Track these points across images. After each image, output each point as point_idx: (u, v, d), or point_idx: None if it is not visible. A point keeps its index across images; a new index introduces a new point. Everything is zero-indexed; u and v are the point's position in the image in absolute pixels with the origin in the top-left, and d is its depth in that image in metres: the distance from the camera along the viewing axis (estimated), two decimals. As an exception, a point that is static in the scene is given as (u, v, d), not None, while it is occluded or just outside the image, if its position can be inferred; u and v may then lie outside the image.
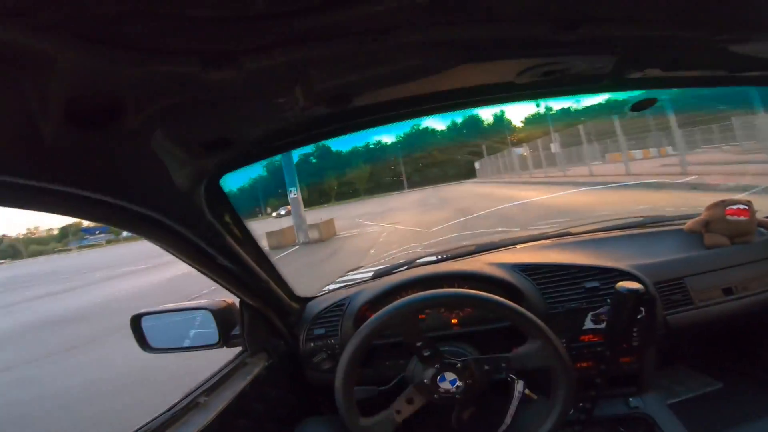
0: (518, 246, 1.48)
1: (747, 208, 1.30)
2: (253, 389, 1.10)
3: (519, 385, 0.98)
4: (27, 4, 0.31)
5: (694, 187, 7.47)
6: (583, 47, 0.62)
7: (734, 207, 1.30)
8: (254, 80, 0.52)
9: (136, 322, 1.10)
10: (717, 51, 0.66)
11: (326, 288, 1.54)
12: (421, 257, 1.57)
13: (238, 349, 1.22)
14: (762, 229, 1.35)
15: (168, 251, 0.76)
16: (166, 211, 0.67)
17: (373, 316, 0.92)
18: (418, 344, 0.92)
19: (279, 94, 0.58)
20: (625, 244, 1.39)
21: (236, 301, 1.16)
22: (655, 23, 0.56)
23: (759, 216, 1.34)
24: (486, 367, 0.93)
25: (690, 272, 1.25)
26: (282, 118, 0.67)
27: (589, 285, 1.18)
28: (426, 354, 0.93)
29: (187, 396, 0.99)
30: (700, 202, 1.40)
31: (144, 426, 0.87)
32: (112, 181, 0.53)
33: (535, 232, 1.57)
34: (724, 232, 1.31)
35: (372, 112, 0.74)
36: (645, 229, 1.50)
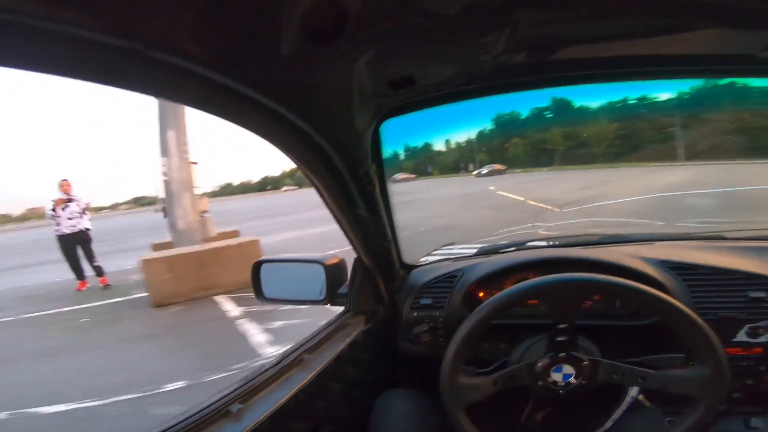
0: (657, 243, 1.29)
1: None
2: (350, 352, 1.10)
3: (633, 390, 0.89)
4: None
5: None
6: None
7: None
8: (467, 13, 0.47)
9: (256, 268, 1.14)
10: None
11: (425, 258, 1.49)
12: (533, 240, 1.45)
13: (340, 309, 1.23)
14: None
15: (318, 188, 0.74)
16: (339, 146, 0.65)
17: (508, 289, 0.84)
18: (561, 326, 0.84)
19: (484, 32, 0.52)
20: None
21: (346, 259, 1.15)
22: None
23: None
24: (614, 376, 0.83)
25: None
26: (475, 62, 0.61)
27: (754, 294, 1.00)
28: (560, 339, 0.84)
29: (293, 352, 1.00)
30: None
31: (253, 379, 0.89)
32: (307, 104, 0.52)
33: (678, 231, 1.35)
34: None
35: (575, 68, 0.65)
36: None
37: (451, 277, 1.21)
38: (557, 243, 1.41)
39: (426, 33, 0.50)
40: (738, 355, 1.01)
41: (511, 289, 0.84)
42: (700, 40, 0.57)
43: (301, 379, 0.93)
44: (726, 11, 0.49)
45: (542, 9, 0.48)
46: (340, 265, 1.17)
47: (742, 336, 1.00)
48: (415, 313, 1.22)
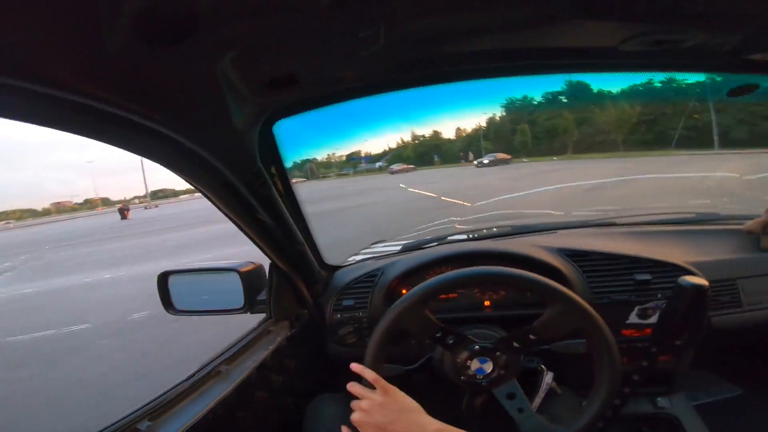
0: (559, 231, 1.41)
1: (815, 212, 1.21)
2: (274, 360, 1.07)
3: (548, 377, 0.94)
4: None
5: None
6: (708, 18, 0.53)
7: (800, 209, 1.21)
8: (337, 7, 0.45)
9: (162, 280, 1.05)
10: None
11: (351, 258, 1.48)
12: (452, 234, 1.51)
13: (262, 316, 1.18)
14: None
15: (209, 198, 0.70)
16: (217, 150, 0.61)
17: (384, 315, 0.87)
18: (438, 335, 0.87)
19: (360, 27, 0.51)
20: (676, 239, 1.31)
21: (264, 264, 1.11)
22: None
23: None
24: (515, 344, 0.88)
25: (744, 274, 1.18)
26: (360, 58, 0.59)
27: (639, 277, 1.11)
28: (450, 342, 0.88)
29: (209, 363, 0.95)
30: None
31: (164, 394, 0.84)
32: (168, 109, 0.47)
33: (577, 220, 1.49)
34: (785, 235, 1.23)
35: (460, 63, 0.65)
36: (698, 226, 1.42)
37: (371, 277, 1.22)
38: (475, 236, 1.48)
39: (296, 31, 0.48)
40: (633, 336, 1.12)
41: (414, 290, 0.86)
42: (564, 33, 0.60)
43: (219, 391, 0.88)
44: (585, 3, 0.51)
45: (414, 2, 0.48)
46: (258, 271, 1.12)
47: (633, 318, 1.11)
48: (339, 315, 1.22)
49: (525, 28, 0.58)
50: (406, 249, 1.45)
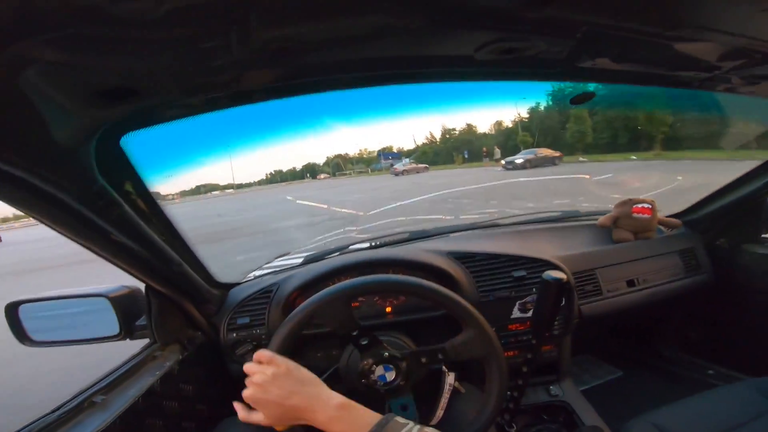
0: (451, 234, 1.50)
1: (650, 207, 1.43)
2: (165, 386, 0.99)
3: (450, 378, 0.96)
4: None
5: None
6: (545, 27, 0.58)
7: (640, 206, 1.43)
8: (177, 19, 0.42)
9: (11, 311, 0.92)
10: (662, 47, 0.66)
11: (252, 274, 1.44)
12: (354, 243, 1.54)
13: (146, 341, 1.10)
14: (661, 227, 1.51)
15: (45, 224, 0.62)
16: (42, 170, 0.54)
17: (302, 304, 0.85)
18: (354, 333, 0.87)
19: (204, 39, 0.48)
20: (547, 236, 1.47)
21: (141, 286, 1.03)
22: (618, 10, 0.55)
23: (660, 215, 1.49)
24: (423, 360, 0.90)
25: (600, 264, 1.36)
26: (208, 69, 0.55)
27: (517, 274, 1.22)
28: (364, 343, 0.88)
29: (78, 395, 0.85)
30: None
31: (24, 428, 0.75)
32: None
33: (467, 222, 1.61)
34: (630, 228, 1.45)
35: (319, 73, 0.64)
36: (563, 223, 1.60)
37: (266, 292, 1.19)
38: (378, 243, 1.52)
39: (126, 40, 0.44)
40: (518, 330, 1.22)
41: (288, 318, 0.84)
42: (422, 41, 0.61)
43: (96, 423, 0.79)
44: (439, 10, 0.53)
45: (265, 12, 0.46)
46: (132, 295, 1.03)
47: (516, 313, 1.21)
48: (235, 334, 1.17)
49: (383, 37, 0.58)
50: (308, 261, 1.44)
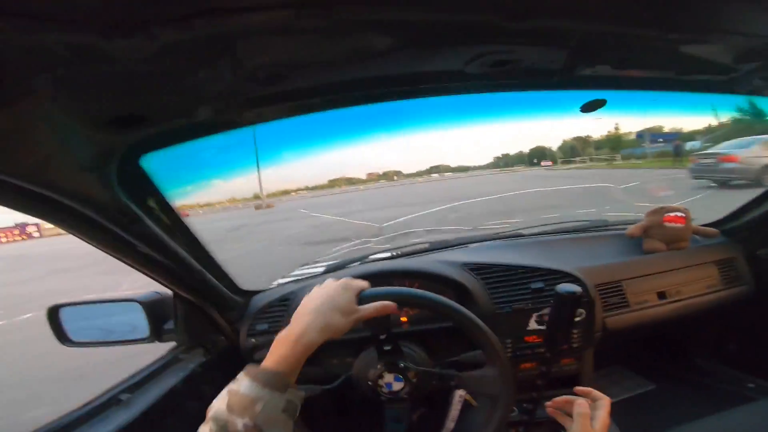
0: (471, 245, 1.49)
1: (684, 215, 1.36)
2: (187, 387, 1.04)
3: (460, 390, 0.95)
4: None
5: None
6: (534, 38, 0.58)
7: (672, 214, 1.37)
8: (170, 53, 0.46)
9: (53, 313, 1.00)
10: (668, 51, 0.64)
11: (276, 282, 1.49)
12: (375, 253, 1.55)
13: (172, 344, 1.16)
14: (696, 237, 1.43)
15: (76, 235, 0.68)
16: (69, 191, 0.59)
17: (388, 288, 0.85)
18: (382, 337, 0.88)
19: (201, 69, 0.52)
20: (572, 246, 1.43)
21: (170, 292, 1.09)
22: (608, 17, 0.54)
23: (694, 224, 1.41)
24: (434, 382, 0.90)
25: (628, 276, 1.30)
26: (207, 96, 0.60)
27: (534, 286, 1.19)
28: (386, 348, 0.89)
29: (105, 393, 0.91)
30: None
31: (55, 422, 0.81)
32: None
33: (488, 232, 1.59)
34: (662, 237, 1.38)
35: (313, 95, 0.68)
36: (590, 233, 1.55)
37: (285, 300, 1.23)
38: (398, 253, 1.53)
39: (126, 75, 0.48)
40: (534, 342, 1.18)
41: (397, 289, 0.86)
42: (410, 59, 0.62)
43: (120, 419, 0.85)
44: (423, 29, 0.54)
45: (253, 42, 0.49)
46: (162, 301, 1.09)
47: (533, 324, 1.17)
48: (253, 340, 1.21)
49: (374, 57, 0.60)
50: (329, 270, 1.47)
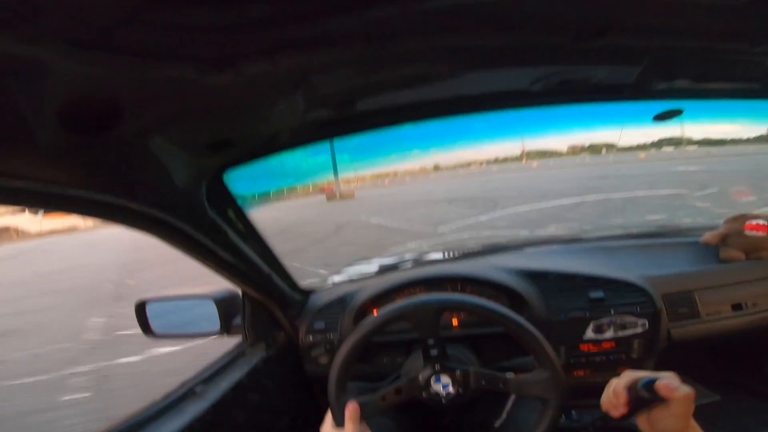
0: (526, 249, 1.46)
1: (766, 223, 1.25)
2: (250, 380, 1.12)
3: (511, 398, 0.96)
4: (18, 15, 0.30)
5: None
6: (604, 57, 0.58)
7: (754, 222, 1.26)
8: (254, 85, 0.51)
9: (140, 308, 1.12)
10: (753, 63, 0.61)
11: (330, 280, 1.55)
12: (428, 253, 1.57)
13: (240, 338, 1.25)
14: (779, 247, 1.30)
15: (170, 246, 0.77)
16: (169, 208, 0.67)
17: (378, 313, 0.90)
18: (430, 342, 0.89)
19: (280, 98, 0.57)
20: (637, 253, 1.36)
21: (240, 290, 1.17)
22: (688, 32, 0.52)
23: (778, 232, 1.29)
24: (483, 383, 0.90)
25: (701, 286, 1.22)
26: (284, 120, 0.66)
27: (593, 295, 1.15)
28: (432, 353, 0.90)
29: (183, 385, 1.00)
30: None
31: (140, 413, 0.90)
32: (110, 181, 0.54)
33: (545, 236, 1.55)
34: (741, 246, 1.27)
35: (377, 117, 0.72)
36: (659, 239, 1.46)
37: (341, 301, 1.28)
38: (450, 256, 1.53)
39: (217, 105, 0.54)
40: (590, 351, 1.15)
41: (362, 325, 0.90)
42: (473, 81, 0.64)
43: (195, 410, 0.93)
44: (489, 54, 0.55)
45: (326, 72, 0.53)
46: (233, 298, 1.19)
47: (590, 333, 1.14)
48: (311, 337, 1.27)
49: (443, 79, 0.62)
50: (383, 270, 1.51)
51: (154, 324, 1.15)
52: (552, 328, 0.87)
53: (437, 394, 0.91)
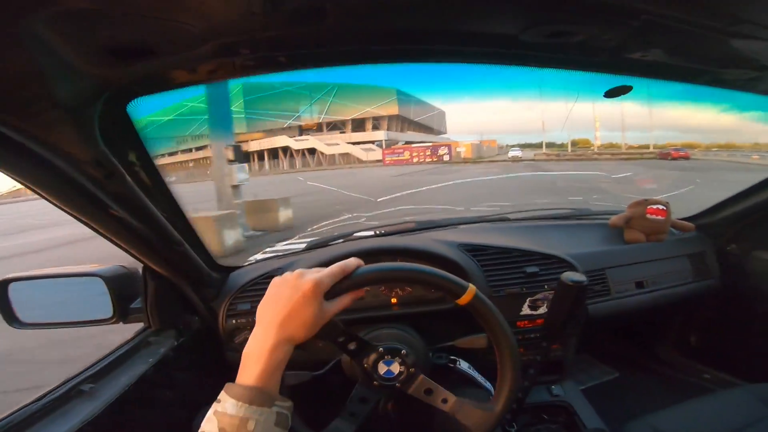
0: (460, 226, 1.46)
1: (665, 208, 1.40)
2: (159, 373, 0.95)
3: (463, 365, 0.91)
4: None
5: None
6: (603, 10, 0.54)
7: (654, 207, 1.40)
8: None
9: (1, 290, 0.87)
10: (721, 43, 0.61)
11: (253, 258, 1.39)
12: (358, 230, 1.49)
13: (140, 325, 1.05)
14: (674, 230, 1.48)
15: (38, 194, 0.57)
16: (30, 130, 0.49)
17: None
18: (340, 340, 0.76)
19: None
20: (557, 233, 1.44)
21: (138, 266, 0.97)
22: (689, 1, 0.51)
23: (674, 217, 1.46)
24: (436, 362, 0.86)
25: (611, 264, 1.33)
26: (234, 30, 0.49)
27: (529, 270, 1.18)
28: (352, 348, 0.78)
29: (64, 383, 0.81)
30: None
31: (5, 418, 0.70)
32: None
33: (475, 215, 1.57)
34: (643, 229, 1.41)
35: (349, 42, 0.58)
36: (575, 221, 1.57)
37: (268, 277, 1.13)
38: (381, 232, 1.47)
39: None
40: (526, 327, 1.18)
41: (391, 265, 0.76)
42: (464, 15, 0.55)
43: (84, 412, 0.76)
44: None
45: None
46: (131, 276, 0.98)
47: (526, 309, 1.17)
48: (234, 321, 1.12)
49: (421, 8, 0.53)
50: (311, 247, 1.40)
51: (19, 310, 0.90)
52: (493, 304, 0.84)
53: (389, 379, 0.80)
